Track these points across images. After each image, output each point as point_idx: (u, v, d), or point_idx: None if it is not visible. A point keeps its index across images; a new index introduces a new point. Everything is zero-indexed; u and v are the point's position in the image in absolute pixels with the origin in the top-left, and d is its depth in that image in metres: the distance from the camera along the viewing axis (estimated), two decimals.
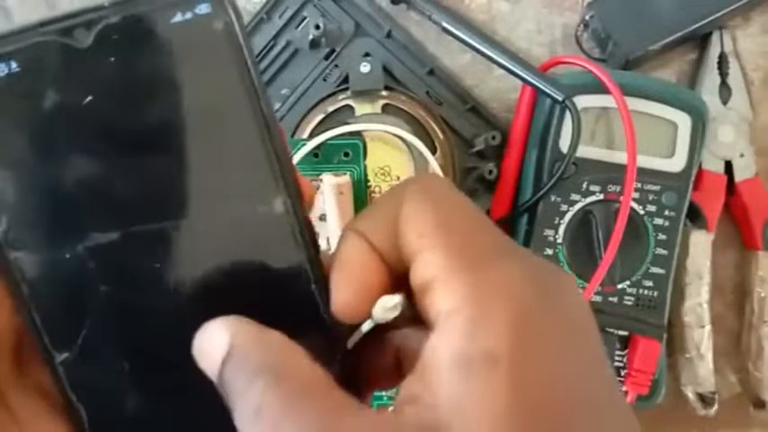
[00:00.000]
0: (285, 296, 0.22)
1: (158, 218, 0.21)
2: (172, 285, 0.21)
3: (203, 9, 0.20)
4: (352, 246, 0.22)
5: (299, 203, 0.21)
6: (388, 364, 0.23)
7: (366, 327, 0.21)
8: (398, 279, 0.22)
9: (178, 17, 0.20)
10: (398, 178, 0.43)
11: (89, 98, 0.20)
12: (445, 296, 0.19)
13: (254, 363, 0.18)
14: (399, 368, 0.22)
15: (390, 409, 0.19)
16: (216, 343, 0.19)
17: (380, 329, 0.22)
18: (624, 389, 0.43)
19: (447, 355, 0.18)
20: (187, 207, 0.21)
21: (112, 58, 0.19)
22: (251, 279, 0.21)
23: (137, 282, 0.21)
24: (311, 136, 0.43)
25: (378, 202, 0.22)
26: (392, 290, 0.22)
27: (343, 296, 0.21)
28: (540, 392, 0.17)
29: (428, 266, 0.19)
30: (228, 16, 0.20)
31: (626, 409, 0.19)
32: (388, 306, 0.21)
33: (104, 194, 0.20)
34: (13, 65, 0.19)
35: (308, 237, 0.22)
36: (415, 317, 0.22)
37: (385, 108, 0.44)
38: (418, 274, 0.20)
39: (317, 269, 0.22)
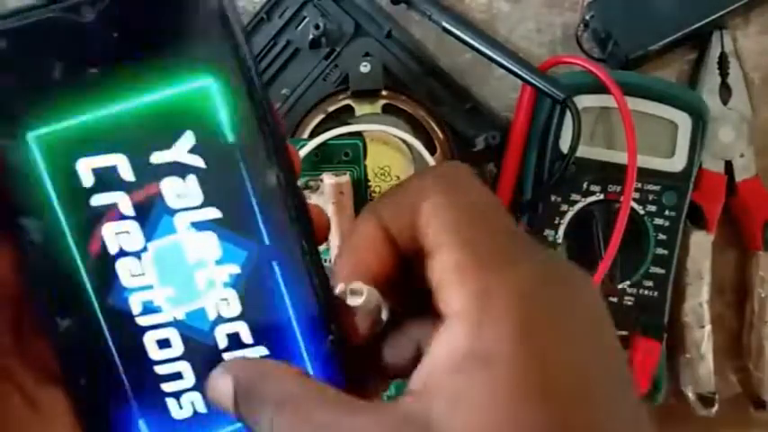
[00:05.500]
0: (280, 270, 0.22)
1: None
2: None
3: None
4: (365, 226, 0.22)
5: (292, 177, 0.22)
6: (408, 355, 0.23)
7: (350, 301, 0.22)
8: (408, 263, 0.22)
9: None
10: (398, 178, 0.43)
11: (92, 70, 0.20)
12: (455, 297, 0.19)
13: (259, 394, 0.21)
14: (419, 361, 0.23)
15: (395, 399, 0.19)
16: (223, 387, 0.21)
17: (400, 322, 0.23)
18: None
19: (446, 353, 0.18)
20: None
21: (115, 33, 0.20)
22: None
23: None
24: (311, 136, 0.43)
25: (400, 187, 0.23)
26: (400, 274, 0.23)
27: (343, 274, 0.22)
28: (542, 389, 0.17)
29: (443, 264, 0.20)
30: None
31: (638, 408, 0.19)
32: (346, 291, 0.22)
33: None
34: (22, 40, 0.20)
35: (302, 211, 0.22)
36: (435, 311, 0.23)
37: (385, 108, 0.44)
38: (434, 271, 0.20)
39: (310, 243, 0.22)
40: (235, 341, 0.23)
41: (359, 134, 0.41)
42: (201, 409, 0.23)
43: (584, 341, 0.19)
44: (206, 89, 0.21)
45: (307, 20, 0.45)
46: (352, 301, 0.22)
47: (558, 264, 0.20)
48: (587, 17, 0.47)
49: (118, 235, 0.21)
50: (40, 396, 0.21)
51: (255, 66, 0.21)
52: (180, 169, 0.21)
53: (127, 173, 0.21)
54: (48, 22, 0.20)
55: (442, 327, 0.19)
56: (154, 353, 0.22)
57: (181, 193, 0.21)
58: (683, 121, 0.43)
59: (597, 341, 0.19)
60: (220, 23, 0.21)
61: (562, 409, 0.17)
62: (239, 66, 0.21)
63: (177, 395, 0.23)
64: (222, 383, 0.21)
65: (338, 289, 0.22)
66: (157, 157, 0.21)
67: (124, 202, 0.21)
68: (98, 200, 0.21)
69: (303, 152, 0.40)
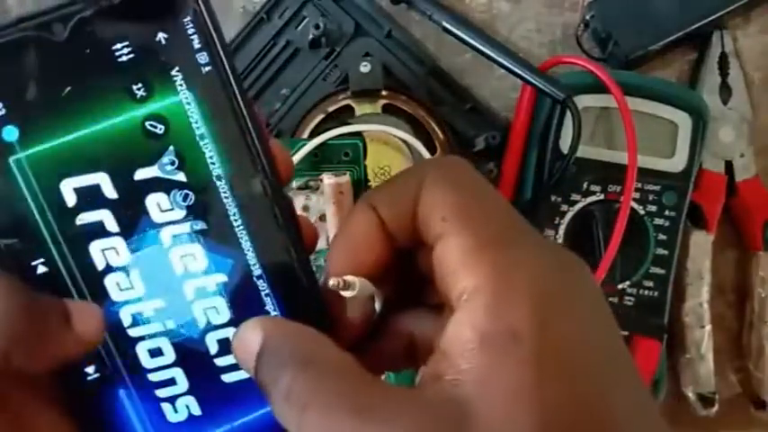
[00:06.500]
0: (267, 276, 0.22)
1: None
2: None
3: None
4: (360, 218, 0.22)
5: (278, 183, 0.22)
6: (400, 348, 0.23)
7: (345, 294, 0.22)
8: (402, 255, 0.22)
9: (149, 8, 0.21)
10: None
11: (68, 89, 0.20)
12: (468, 276, 0.19)
13: (285, 353, 0.20)
14: (412, 352, 0.23)
15: (415, 385, 0.19)
16: (250, 341, 0.20)
17: (393, 315, 0.23)
18: None
19: (470, 331, 0.18)
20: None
21: (88, 50, 0.20)
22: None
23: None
24: (311, 136, 0.43)
25: (396, 179, 0.23)
26: (393, 265, 0.23)
27: (336, 266, 0.22)
28: (563, 368, 0.18)
29: (452, 249, 0.20)
30: (197, 5, 0.21)
31: (640, 382, 0.20)
32: (338, 285, 0.22)
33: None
34: None
35: (288, 216, 0.22)
36: (429, 302, 0.23)
37: (385, 108, 0.44)
38: (441, 256, 0.20)
39: (298, 249, 0.22)
40: (225, 347, 0.23)
41: (359, 134, 0.41)
42: (196, 411, 0.23)
43: (593, 322, 0.19)
44: (184, 103, 0.21)
45: (307, 20, 0.46)
46: (345, 294, 0.22)
47: (559, 248, 0.21)
48: (587, 17, 0.47)
49: (105, 251, 0.22)
50: (32, 420, 0.21)
51: (234, 72, 0.21)
52: (163, 185, 0.21)
53: (110, 191, 0.21)
54: (20, 42, 0.20)
55: (459, 308, 0.19)
56: (146, 362, 0.22)
57: (165, 207, 0.22)
58: (683, 121, 0.43)
59: (603, 322, 0.20)
60: (195, 35, 0.21)
61: (579, 384, 0.18)
62: (217, 76, 0.21)
63: (172, 400, 0.23)
64: (251, 336, 0.20)
65: (331, 282, 0.22)
66: (140, 174, 0.21)
67: (109, 219, 0.21)
68: (83, 219, 0.21)
69: (303, 152, 0.40)
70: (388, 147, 0.43)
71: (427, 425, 0.17)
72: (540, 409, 0.17)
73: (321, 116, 0.44)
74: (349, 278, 0.22)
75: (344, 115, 0.44)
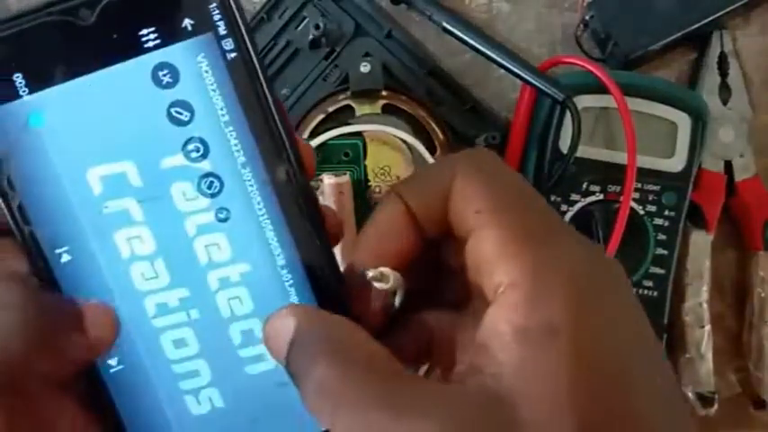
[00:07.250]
0: (291, 266, 0.22)
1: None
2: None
3: None
4: (389, 207, 0.22)
5: (302, 171, 0.22)
6: (417, 342, 0.23)
7: (379, 286, 0.22)
8: (429, 245, 0.22)
9: None
10: (398, 178, 0.43)
11: (94, 74, 0.20)
12: (505, 270, 0.19)
13: (317, 344, 0.19)
14: (428, 348, 0.23)
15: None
16: (283, 329, 0.20)
17: (411, 309, 0.23)
18: None
19: (509, 326, 0.18)
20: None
21: (114, 35, 0.20)
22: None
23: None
24: (311, 136, 0.43)
25: (426, 170, 0.23)
26: (421, 255, 0.23)
27: (363, 254, 0.22)
28: (599, 361, 0.18)
29: (487, 242, 0.20)
30: None
31: (672, 378, 0.20)
32: (377, 277, 0.22)
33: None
34: (22, 46, 0.20)
35: (313, 206, 0.22)
36: (449, 297, 0.23)
37: (385, 108, 0.44)
38: (476, 249, 0.20)
39: (321, 239, 0.22)
40: (249, 337, 0.23)
41: (359, 134, 0.41)
42: (219, 404, 0.23)
43: (627, 317, 0.19)
44: (210, 89, 0.21)
45: (307, 20, 0.46)
46: (380, 286, 0.22)
47: (591, 244, 0.21)
48: (587, 17, 0.47)
49: (130, 240, 0.22)
50: (47, 409, 0.21)
51: (259, 59, 0.21)
52: (188, 173, 0.21)
53: (136, 179, 0.21)
54: (47, 26, 0.20)
55: (497, 300, 0.19)
56: (170, 353, 0.22)
57: (190, 196, 0.22)
58: (683, 121, 0.43)
59: (637, 317, 0.20)
60: (221, 21, 0.21)
61: (617, 377, 0.18)
62: (242, 63, 0.21)
63: (195, 392, 0.23)
64: (282, 324, 0.20)
65: (370, 274, 0.22)
66: (166, 163, 0.21)
67: (134, 208, 0.21)
68: (109, 207, 0.21)
69: None
70: (388, 147, 0.43)
71: (469, 418, 0.17)
72: (581, 402, 0.17)
73: (321, 116, 0.44)
74: (386, 270, 0.22)
75: (344, 115, 0.44)
